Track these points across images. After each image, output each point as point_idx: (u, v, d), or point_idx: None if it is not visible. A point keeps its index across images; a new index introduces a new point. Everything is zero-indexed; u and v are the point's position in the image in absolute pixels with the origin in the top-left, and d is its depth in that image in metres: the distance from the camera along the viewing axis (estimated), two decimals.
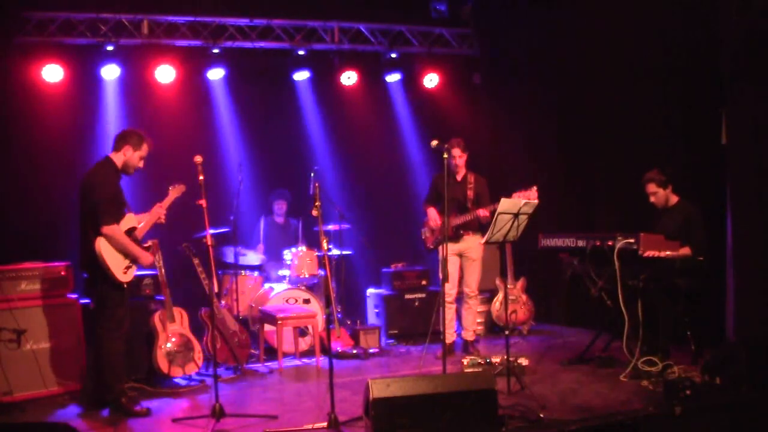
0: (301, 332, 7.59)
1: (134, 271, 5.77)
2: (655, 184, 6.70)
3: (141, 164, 5.87)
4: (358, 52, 9.26)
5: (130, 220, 5.80)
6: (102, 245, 5.55)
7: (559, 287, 8.75)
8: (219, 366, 6.74)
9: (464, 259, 7.32)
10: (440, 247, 6.69)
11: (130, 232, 5.76)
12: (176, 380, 6.50)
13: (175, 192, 6.04)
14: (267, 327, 7.39)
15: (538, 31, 8.94)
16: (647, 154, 7.55)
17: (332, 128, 9.50)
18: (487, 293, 8.46)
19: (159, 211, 5.94)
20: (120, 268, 5.64)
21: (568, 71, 8.66)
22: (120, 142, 5.79)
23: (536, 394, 5.66)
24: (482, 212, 6.95)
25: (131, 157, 5.78)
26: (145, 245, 5.94)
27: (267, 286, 7.97)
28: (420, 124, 9.70)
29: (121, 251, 5.63)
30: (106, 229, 5.55)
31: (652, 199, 6.75)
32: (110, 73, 8.22)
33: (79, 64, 8.20)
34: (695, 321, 6.54)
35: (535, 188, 6.27)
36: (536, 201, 6.04)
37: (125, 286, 5.70)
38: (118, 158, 5.78)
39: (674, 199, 6.75)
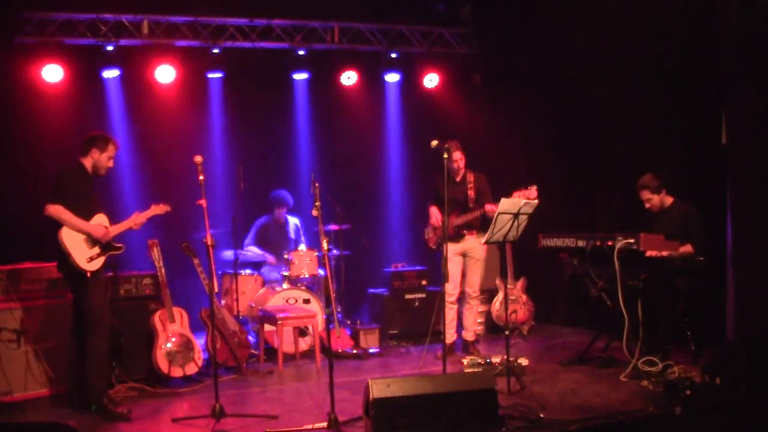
0: (301, 332, 7.58)
1: (100, 262, 5.77)
2: (648, 191, 6.71)
3: (111, 164, 5.97)
4: (358, 52, 9.25)
5: (100, 219, 5.86)
6: (64, 234, 5.63)
7: (559, 287, 8.75)
8: (219, 366, 6.74)
9: (468, 258, 7.31)
10: (444, 247, 6.68)
11: None
12: (176, 380, 6.50)
13: (156, 209, 6.09)
14: (267, 327, 7.39)
15: (537, 31, 8.92)
16: (647, 154, 7.56)
17: (332, 128, 9.50)
18: (487, 293, 8.46)
19: (135, 219, 5.99)
20: (83, 257, 5.68)
21: (567, 71, 8.65)
22: (86, 146, 5.90)
23: (536, 394, 5.66)
24: (489, 207, 6.90)
25: (99, 158, 5.89)
26: (117, 244, 5.93)
27: (267, 285, 7.98)
28: (420, 124, 9.67)
29: (71, 228, 5.66)
30: (50, 208, 5.62)
31: (647, 205, 6.76)
32: (110, 73, 8.23)
33: (79, 65, 8.21)
34: (695, 321, 6.55)
35: (534, 188, 6.26)
36: (536, 201, 6.04)
37: (89, 275, 5.68)
38: (88, 162, 5.90)
39: (669, 200, 6.75)
